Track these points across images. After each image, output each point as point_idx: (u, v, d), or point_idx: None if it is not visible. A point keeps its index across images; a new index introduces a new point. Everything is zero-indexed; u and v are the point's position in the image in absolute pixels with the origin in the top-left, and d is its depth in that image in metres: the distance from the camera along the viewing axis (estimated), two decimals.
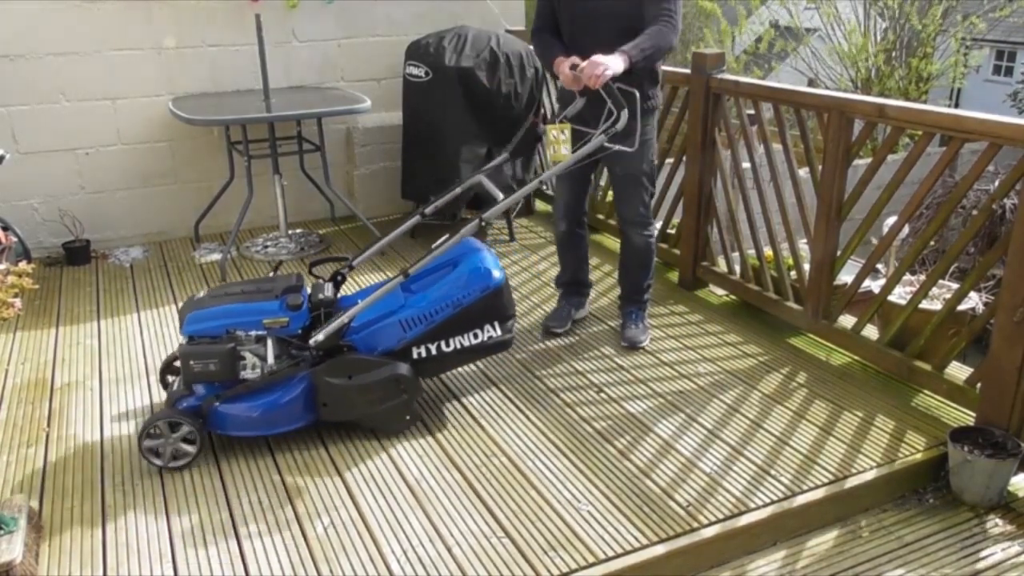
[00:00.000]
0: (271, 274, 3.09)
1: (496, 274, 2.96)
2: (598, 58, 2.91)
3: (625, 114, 2.98)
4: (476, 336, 2.98)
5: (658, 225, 4.46)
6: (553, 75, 3.13)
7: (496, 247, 4.80)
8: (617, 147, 3.03)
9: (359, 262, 3.11)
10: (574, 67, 3.04)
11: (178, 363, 2.91)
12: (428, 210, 3.21)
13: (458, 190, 3.24)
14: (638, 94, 3.00)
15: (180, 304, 2.84)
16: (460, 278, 2.92)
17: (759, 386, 3.20)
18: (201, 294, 2.88)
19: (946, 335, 3.04)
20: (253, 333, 2.77)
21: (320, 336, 2.80)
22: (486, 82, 4.49)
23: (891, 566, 2.40)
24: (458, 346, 2.97)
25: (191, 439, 2.71)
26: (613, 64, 2.91)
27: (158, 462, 2.70)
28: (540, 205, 5.52)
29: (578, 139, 3.12)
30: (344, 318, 2.82)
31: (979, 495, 2.64)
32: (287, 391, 2.79)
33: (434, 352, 2.94)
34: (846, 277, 3.52)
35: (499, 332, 3.00)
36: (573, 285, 3.79)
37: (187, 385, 2.82)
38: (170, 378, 3.06)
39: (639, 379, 3.27)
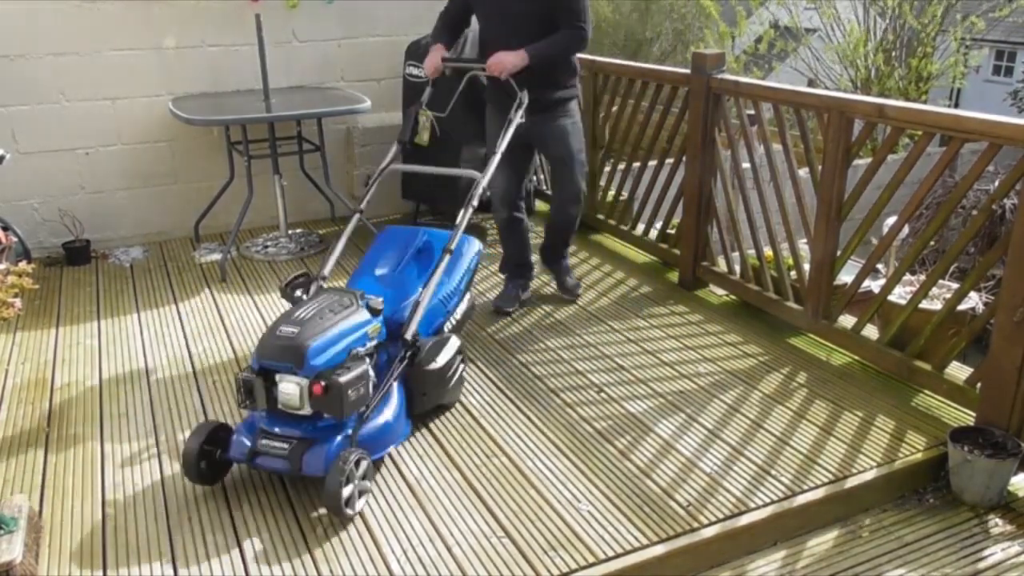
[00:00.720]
0: (301, 296, 2.89)
1: (476, 240, 3.28)
2: (502, 55, 3.35)
3: (525, 95, 3.42)
4: (464, 302, 3.24)
5: (658, 225, 4.48)
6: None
7: (496, 247, 4.80)
8: (523, 120, 3.44)
9: (329, 272, 3.04)
10: (445, 60, 3.52)
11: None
12: (362, 206, 3.34)
13: (373, 187, 3.38)
14: (514, 83, 3.42)
15: (256, 344, 2.56)
16: (463, 246, 3.14)
17: (759, 386, 3.20)
18: (288, 328, 2.52)
19: (946, 335, 3.04)
20: (371, 344, 2.67)
21: (413, 327, 2.83)
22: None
23: (891, 566, 2.40)
24: (459, 315, 3.21)
25: (368, 474, 2.52)
26: (515, 61, 3.35)
27: (350, 512, 2.44)
28: (540, 205, 5.52)
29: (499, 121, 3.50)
30: (421, 309, 2.87)
31: (979, 495, 2.64)
32: (391, 398, 2.72)
33: (453, 323, 3.16)
34: (846, 277, 3.52)
35: (470, 295, 3.34)
36: (518, 268, 4.00)
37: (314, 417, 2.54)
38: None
39: (639, 379, 3.27)
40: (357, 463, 2.44)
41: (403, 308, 2.92)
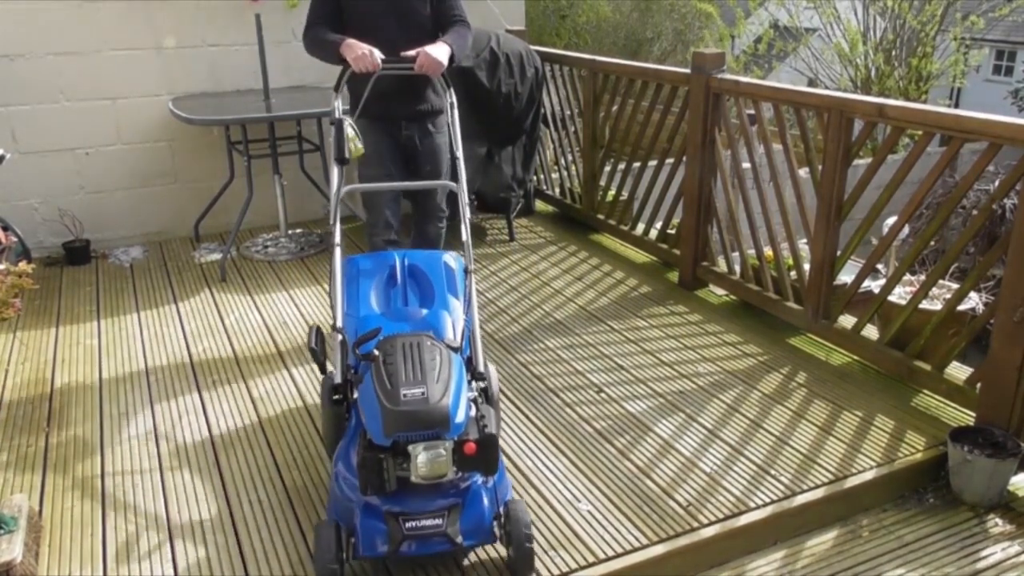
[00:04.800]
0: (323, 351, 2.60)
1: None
2: (431, 51, 3.03)
3: (451, 94, 3.12)
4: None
5: (658, 225, 4.47)
6: (338, 60, 3.18)
7: (496, 247, 4.81)
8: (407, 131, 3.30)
9: (341, 322, 2.58)
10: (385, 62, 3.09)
11: None
12: (337, 240, 2.80)
13: (335, 215, 2.85)
14: (443, 81, 3.16)
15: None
16: (455, 263, 2.75)
17: (759, 386, 3.20)
18: (413, 391, 2.14)
19: (946, 335, 3.04)
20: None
21: (480, 358, 2.53)
22: (486, 82, 4.49)
23: (891, 566, 2.40)
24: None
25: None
26: (444, 58, 3.06)
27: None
28: (540, 205, 5.52)
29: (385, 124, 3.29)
30: (478, 339, 2.55)
31: (979, 495, 2.64)
32: None
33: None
34: (846, 277, 3.52)
35: None
36: None
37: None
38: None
39: (639, 379, 3.27)
40: (526, 520, 2.20)
41: None
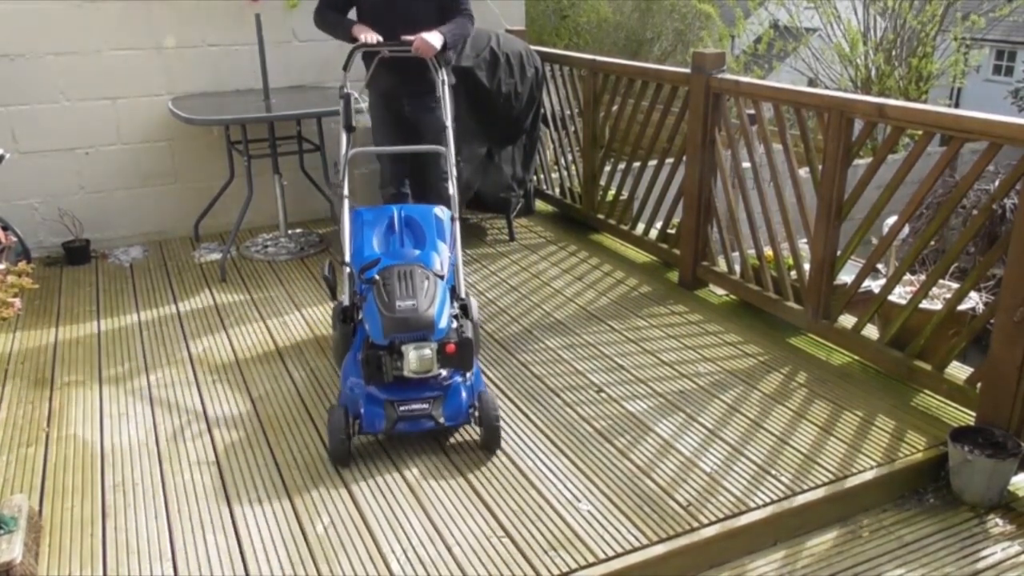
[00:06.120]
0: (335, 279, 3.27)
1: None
2: (427, 36, 3.51)
3: (443, 73, 3.60)
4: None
5: (658, 225, 4.48)
6: (348, 38, 3.64)
7: (496, 247, 4.81)
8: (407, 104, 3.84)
9: (350, 258, 3.17)
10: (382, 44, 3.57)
11: None
12: (345, 192, 3.34)
13: (344, 172, 3.53)
14: (436, 62, 3.61)
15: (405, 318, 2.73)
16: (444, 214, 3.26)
17: (759, 386, 3.20)
18: (405, 303, 2.73)
19: (946, 335, 3.04)
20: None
21: (462, 286, 3.12)
22: (486, 82, 4.49)
23: (891, 566, 2.40)
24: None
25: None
26: (438, 42, 3.55)
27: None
28: (540, 205, 5.52)
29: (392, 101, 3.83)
30: (460, 270, 3.12)
31: (979, 495, 2.64)
32: None
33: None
34: (846, 277, 3.52)
35: None
36: None
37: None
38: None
39: (639, 379, 3.27)
40: (494, 407, 2.75)
41: None
